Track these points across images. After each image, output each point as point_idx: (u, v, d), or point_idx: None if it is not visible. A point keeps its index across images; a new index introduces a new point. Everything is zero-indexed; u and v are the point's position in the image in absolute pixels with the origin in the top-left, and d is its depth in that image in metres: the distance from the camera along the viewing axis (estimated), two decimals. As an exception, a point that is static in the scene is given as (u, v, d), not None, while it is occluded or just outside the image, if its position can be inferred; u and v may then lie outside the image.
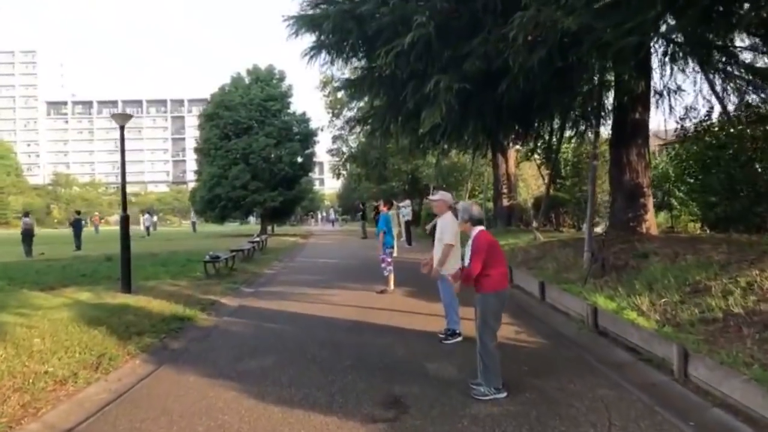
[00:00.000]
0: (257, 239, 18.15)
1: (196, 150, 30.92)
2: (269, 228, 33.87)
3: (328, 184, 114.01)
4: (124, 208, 10.20)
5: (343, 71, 14.72)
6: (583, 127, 12.01)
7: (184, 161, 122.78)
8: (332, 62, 10.57)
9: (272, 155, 28.70)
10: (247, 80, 30.75)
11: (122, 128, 10.11)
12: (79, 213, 23.05)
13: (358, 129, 13.42)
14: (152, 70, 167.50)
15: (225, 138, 28.89)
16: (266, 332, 6.99)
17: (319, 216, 67.87)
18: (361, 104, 18.22)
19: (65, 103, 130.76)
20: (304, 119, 31.43)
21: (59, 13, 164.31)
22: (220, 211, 29.24)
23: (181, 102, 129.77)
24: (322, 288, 10.50)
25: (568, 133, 13.10)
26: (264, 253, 18.41)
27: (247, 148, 28.30)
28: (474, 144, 13.16)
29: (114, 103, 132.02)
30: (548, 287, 8.39)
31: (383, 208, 9.97)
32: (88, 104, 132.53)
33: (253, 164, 28.18)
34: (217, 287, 10.65)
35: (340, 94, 29.00)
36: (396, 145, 15.45)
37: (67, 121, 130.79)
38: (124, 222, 10.17)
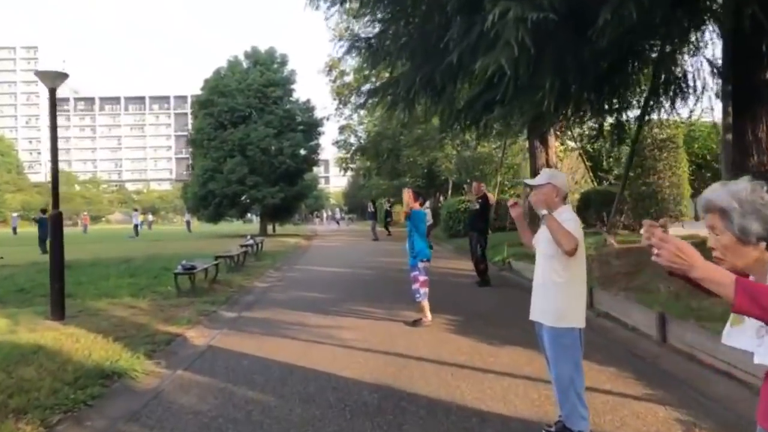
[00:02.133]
0: (250, 241, 15.28)
1: (189, 141, 28.10)
2: (270, 228, 31.05)
3: (334, 183, 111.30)
4: (55, 202, 7.31)
5: (354, 26, 11.90)
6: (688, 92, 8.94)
7: (187, 158, 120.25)
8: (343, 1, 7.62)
9: (272, 147, 25.83)
10: (245, 64, 27.90)
11: (53, 92, 7.25)
12: (44, 211, 20.15)
13: (373, 102, 10.30)
14: (155, 66, 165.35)
15: (220, 127, 26.06)
16: (237, 412, 4.09)
17: (325, 215, 65.07)
18: (377, 78, 15.34)
19: (67, 100, 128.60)
20: (308, 107, 28.53)
21: (61, 9, 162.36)
22: (214, 209, 26.34)
23: (184, 99, 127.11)
24: (329, 314, 7.61)
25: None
26: (259, 258, 15.53)
27: (245, 138, 25.45)
28: (529, 118, 10.10)
29: (116, 99, 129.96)
30: (674, 323, 5.49)
31: (414, 204, 7.02)
32: (90, 101, 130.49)
33: (250, 156, 25.33)
34: (187, 310, 7.79)
35: (348, 78, 26.14)
36: (425, 119, 12.47)
37: (69, 119, 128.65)
38: (53, 222, 7.28)
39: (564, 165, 19.68)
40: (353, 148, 29.54)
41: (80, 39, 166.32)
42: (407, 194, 6.90)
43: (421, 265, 6.69)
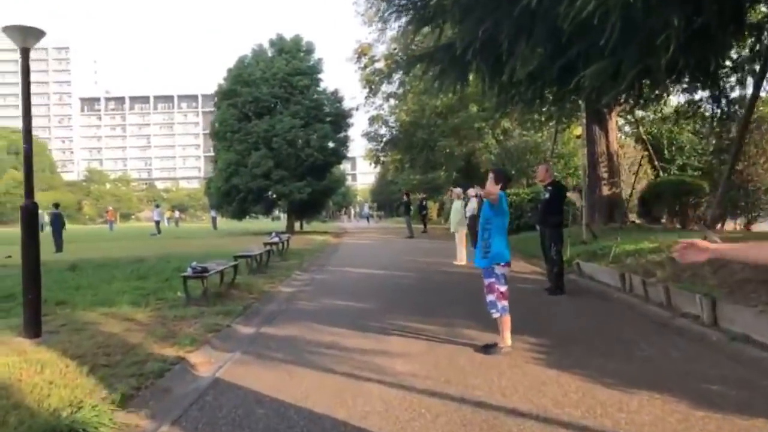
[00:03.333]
0: (276, 239, 13.75)
1: (211, 134, 26.79)
2: (298, 224, 29.62)
3: (361, 180, 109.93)
4: (29, 191, 5.79)
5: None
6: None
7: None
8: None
9: (299, 139, 24.30)
10: (270, 52, 26.41)
11: (25, 53, 5.76)
12: (57, 206, 19.01)
13: (414, 75, 8.58)
14: (184, 64, 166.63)
15: (244, 119, 24.64)
16: None
17: (353, 211, 63.61)
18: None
19: (98, 100, 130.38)
20: (336, 98, 26.92)
21: (91, 9, 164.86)
22: (239, 205, 24.94)
23: (212, 97, 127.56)
24: (371, 332, 5.95)
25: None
26: (285, 257, 14.00)
27: (270, 130, 23.96)
28: (630, 81, 8.17)
29: (145, 98, 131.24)
30: None
31: (494, 189, 5.18)
32: (120, 100, 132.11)
33: (276, 149, 23.82)
34: (194, 324, 6.26)
35: (379, 64, 24.45)
36: (482, 91, 10.63)
37: (100, 118, 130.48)
38: (26, 216, 5.78)
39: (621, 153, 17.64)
40: (384, 139, 27.84)
41: (113, 35, 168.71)
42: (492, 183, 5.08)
43: (499, 270, 4.95)
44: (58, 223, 17.34)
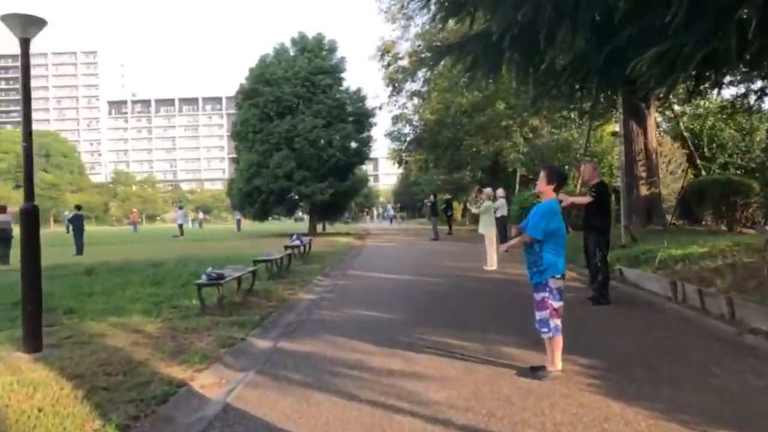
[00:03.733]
0: (297, 242, 13.26)
1: (233, 134, 26.52)
2: (320, 226, 29.19)
3: (383, 181, 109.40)
4: (29, 193, 5.35)
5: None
6: None
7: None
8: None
9: (321, 139, 23.84)
10: (291, 51, 26.02)
11: (25, 44, 5.33)
12: (79, 208, 18.81)
13: (444, 65, 7.94)
14: (208, 67, 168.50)
15: (266, 119, 24.27)
16: None
17: (375, 213, 63.07)
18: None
19: (125, 103, 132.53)
20: (359, 97, 26.40)
21: (118, 13, 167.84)
22: (261, 206, 24.57)
23: (235, 98, 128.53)
24: (400, 348, 5.34)
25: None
26: (306, 260, 13.50)
27: (291, 130, 23.55)
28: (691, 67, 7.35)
29: (171, 101, 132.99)
30: None
31: (547, 189, 4.50)
32: (146, 103, 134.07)
33: (298, 149, 23.40)
34: (207, 337, 5.76)
35: (403, 62, 23.85)
36: (516, 84, 9.92)
37: (126, 120, 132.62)
38: (26, 220, 5.33)
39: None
40: (408, 139, 27.19)
41: (136, 42, 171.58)
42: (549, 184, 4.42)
43: (553, 283, 4.29)
44: (78, 225, 17.14)
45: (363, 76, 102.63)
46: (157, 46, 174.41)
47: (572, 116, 15.76)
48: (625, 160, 13.72)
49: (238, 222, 35.97)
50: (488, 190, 11.81)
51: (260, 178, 23.60)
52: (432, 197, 21.08)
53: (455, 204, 30.45)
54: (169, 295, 8.56)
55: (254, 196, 24.24)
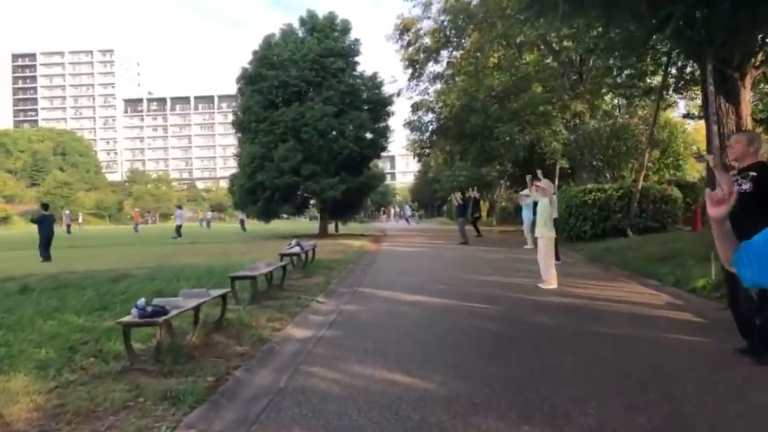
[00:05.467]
0: (295, 248, 10.58)
1: (234, 123, 23.91)
2: (333, 226, 26.53)
3: (399, 179, 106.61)
4: None
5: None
6: None
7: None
8: None
9: (332, 129, 21.12)
10: (300, 32, 23.34)
11: None
12: (46, 207, 16.30)
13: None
14: (223, 65, 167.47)
15: (270, 106, 21.57)
16: None
17: (392, 211, 60.25)
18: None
19: (141, 101, 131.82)
20: (375, 83, 23.61)
21: (135, 12, 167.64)
22: (264, 204, 21.84)
23: (238, 84, 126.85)
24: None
25: None
26: (308, 271, 10.76)
27: (299, 119, 20.84)
28: None
29: (186, 99, 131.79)
30: None
31: None
32: (162, 101, 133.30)
33: (305, 140, 20.67)
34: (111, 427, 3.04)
35: (426, 40, 21.01)
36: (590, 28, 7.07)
37: (142, 119, 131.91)
38: None
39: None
40: (431, 128, 24.33)
41: (152, 40, 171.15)
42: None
43: None
44: (46, 227, 14.53)
45: (378, 63, 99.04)
46: (173, 45, 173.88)
47: (634, 93, 12.84)
48: (712, 144, 10.78)
49: (242, 222, 33.41)
50: (545, 181, 9.00)
51: (264, 172, 20.91)
52: (460, 195, 18.15)
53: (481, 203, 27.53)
54: (101, 330, 5.89)
55: (257, 193, 21.57)
